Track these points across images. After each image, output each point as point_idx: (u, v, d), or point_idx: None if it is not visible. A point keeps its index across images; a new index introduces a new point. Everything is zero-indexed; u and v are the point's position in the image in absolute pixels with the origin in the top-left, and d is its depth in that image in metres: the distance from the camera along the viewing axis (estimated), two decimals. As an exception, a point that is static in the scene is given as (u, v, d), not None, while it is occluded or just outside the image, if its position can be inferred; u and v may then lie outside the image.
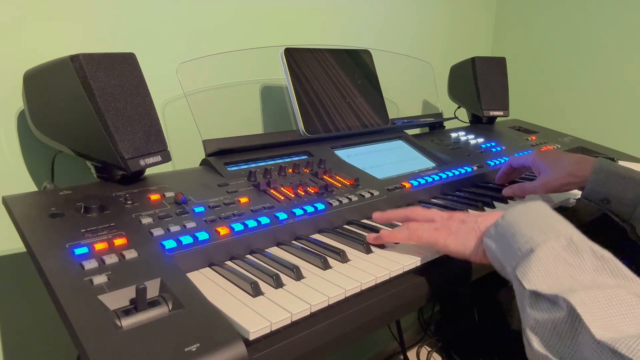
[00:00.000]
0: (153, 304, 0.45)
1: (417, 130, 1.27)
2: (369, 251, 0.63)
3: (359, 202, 0.76)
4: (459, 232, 0.59)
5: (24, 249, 0.63)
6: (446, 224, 0.62)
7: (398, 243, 0.66)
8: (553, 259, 0.45)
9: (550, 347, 0.41)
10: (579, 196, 0.82)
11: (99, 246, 0.53)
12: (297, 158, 0.88)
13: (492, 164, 1.04)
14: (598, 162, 0.78)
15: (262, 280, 0.54)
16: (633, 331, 0.37)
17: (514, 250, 0.49)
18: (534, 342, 0.42)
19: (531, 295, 0.44)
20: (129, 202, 0.63)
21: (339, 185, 0.80)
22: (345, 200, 0.75)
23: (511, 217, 0.53)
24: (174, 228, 0.59)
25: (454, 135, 1.19)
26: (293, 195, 0.73)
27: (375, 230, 0.69)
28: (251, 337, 0.44)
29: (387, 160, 0.97)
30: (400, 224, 0.68)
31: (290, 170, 0.81)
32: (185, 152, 0.92)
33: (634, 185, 0.73)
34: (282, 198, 0.72)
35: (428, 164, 1.00)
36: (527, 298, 0.45)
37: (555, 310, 0.41)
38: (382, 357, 1.61)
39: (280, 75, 0.91)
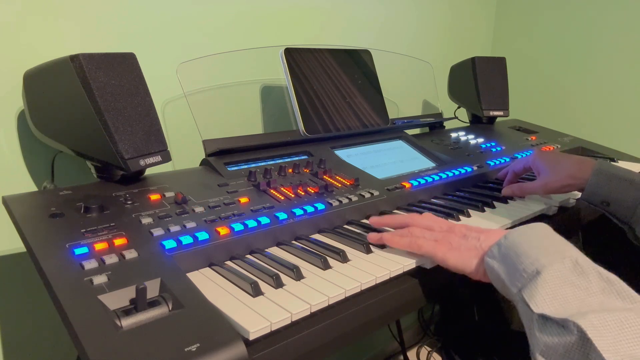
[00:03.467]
0: (153, 304, 0.45)
1: (417, 130, 1.27)
2: (369, 251, 0.63)
3: (359, 202, 0.76)
4: (460, 249, 0.59)
5: (24, 249, 0.62)
6: (447, 238, 0.61)
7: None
8: (560, 281, 0.45)
9: None
10: (579, 197, 0.82)
11: (99, 246, 0.53)
12: (297, 158, 0.88)
13: (492, 164, 1.04)
14: (598, 164, 0.78)
15: (262, 280, 0.54)
16: None
17: (519, 271, 0.49)
18: None
19: (539, 318, 0.44)
20: (129, 202, 0.63)
21: (339, 185, 0.80)
22: (345, 200, 0.75)
23: (514, 238, 0.53)
24: (174, 228, 0.59)
25: (454, 135, 1.19)
26: (293, 195, 0.73)
27: (375, 230, 0.69)
28: (251, 337, 0.44)
29: (387, 160, 0.97)
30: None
31: (290, 170, 0.81)
32: (185, 152, 0.92)
33: (634, 187, 0.73)
34: (282, 198, 0.72)
35: (428, 164, 1.00)
36: (535, 322, 0.45)
37: (566, 335, 0.41)
38: (382, 357, 1.61)
39: (280, 75, 0.91)
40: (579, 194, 0.82)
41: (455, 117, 1.38)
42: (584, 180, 0.78)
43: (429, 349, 1.63)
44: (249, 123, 1.09)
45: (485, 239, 0.58)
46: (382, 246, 0.65)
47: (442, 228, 0.64)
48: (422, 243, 0.61)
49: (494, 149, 1.14)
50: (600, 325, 0.39)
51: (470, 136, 1.19)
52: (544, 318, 0.44)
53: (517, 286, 0.49)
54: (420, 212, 0.71)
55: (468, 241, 0.60)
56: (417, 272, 0.61)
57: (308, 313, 0.49)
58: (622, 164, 1.13)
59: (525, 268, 0.48)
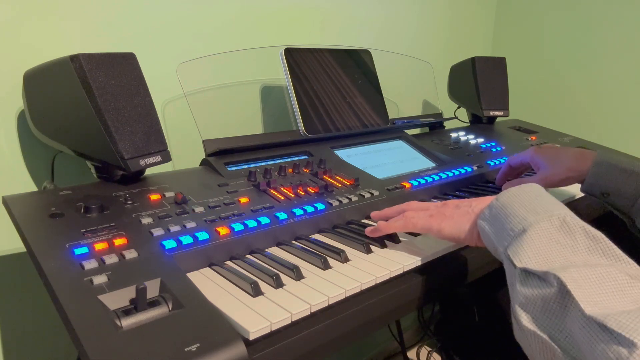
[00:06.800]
0: (153, 304, 0.45)
1: (417, 130, 1.27)
2: (369, 251, 0.63)
3: (359, 202, 0.76)
4: (454, 217, 0.60)
5: (24, 249, 0.62)
6: (440, 210, 0.62)
7: (399, 242, 0.66)
8: (546, 239, 0.45)
9: (539, 323, 0.41)
10: (580, 194, 0.81)
11: (99, 246, 0.53)
12: (297, 158, 0.88)
13: (492, 164, 1.04)
14: (599, 154, 0.78)
15: (262, 280, 0.54)
16: (623, 308, 0.36)
17: (507, 230, 0.49)
18: (523, 319, 0.42)
19: (521, 273, 0.44)
20: (129, 202, 0.63)
21: (339, 185, 0.80)
22: (345, 200, 0.75)
23: (505, 199, 0.53)
24: (174, 228, 0.59)
25: (454, 135, 1.19)
26: (293, 195, 0.73)
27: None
28: (251, 337, 0.44)
29: (387, 160, 0.97)
30: None
31: (290, 170, 0.81)
32: (185, 152, 0.92)
33: (634, 178, 0.73)
34: (282, 198, 0.72)
35: (428, 164, 1.00)
36: (517, 276, 0.45)
37: (546, 287, 0.41)
38: (382, 357, 1.61)
39: (280, 75, 0.91)
40: (581, 194, 0.82)
41: (455, 117, 1.38)
42: (584, 173, 0.78)
43: (429, 349, 1.63)
44: (249, 123, 1.09)
45: (477, 204, 0.59)
46: (382, 246, 0.65)
47: (437, 206, 0.64)
48: (416, 221, 0.62)
49: (494, 149, 1.14)
50: (580, 278, 0.39)
51: (470, 136, 1.19)
52: (526, 272, 0.44)
53: (504, 245, 0.49)
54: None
55: (461, 209, 0.61)
56: (417, 272, 0.61)
57: (308, 313, 0.49)
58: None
59: (513, 227, 0.48)
